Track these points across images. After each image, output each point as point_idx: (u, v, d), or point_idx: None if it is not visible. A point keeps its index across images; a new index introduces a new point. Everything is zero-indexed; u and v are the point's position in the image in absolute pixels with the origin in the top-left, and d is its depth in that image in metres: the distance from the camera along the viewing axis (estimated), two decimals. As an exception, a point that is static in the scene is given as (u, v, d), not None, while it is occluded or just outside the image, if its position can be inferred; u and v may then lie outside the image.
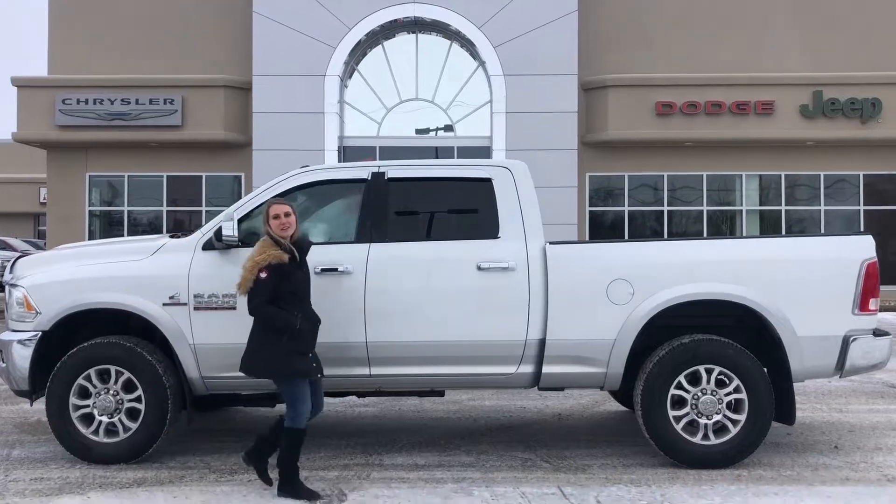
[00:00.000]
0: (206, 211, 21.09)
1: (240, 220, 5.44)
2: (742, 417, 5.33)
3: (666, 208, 20.75)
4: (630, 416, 7.00)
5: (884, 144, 19.94)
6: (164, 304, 5.45)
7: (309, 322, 4.83)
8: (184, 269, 5.48)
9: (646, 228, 20.99)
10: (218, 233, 5.28)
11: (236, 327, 5.39)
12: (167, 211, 21.44)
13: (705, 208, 20.85)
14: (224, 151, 20.68)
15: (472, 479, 5.17)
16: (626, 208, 20.67)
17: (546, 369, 5.43)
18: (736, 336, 5.51)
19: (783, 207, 20.90)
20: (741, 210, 20.91)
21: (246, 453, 5.07)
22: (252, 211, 5.60)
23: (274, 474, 4.93)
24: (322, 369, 4.94)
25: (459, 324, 5.37)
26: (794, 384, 5.42)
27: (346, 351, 5.40)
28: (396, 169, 5.67)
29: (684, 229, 21.47)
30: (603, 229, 20.52)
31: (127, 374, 5.45)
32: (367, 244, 5.48)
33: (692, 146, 20.11)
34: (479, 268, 5.37)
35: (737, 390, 5.33)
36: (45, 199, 23.96)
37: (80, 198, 21.10)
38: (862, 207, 20.73)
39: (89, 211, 21.32)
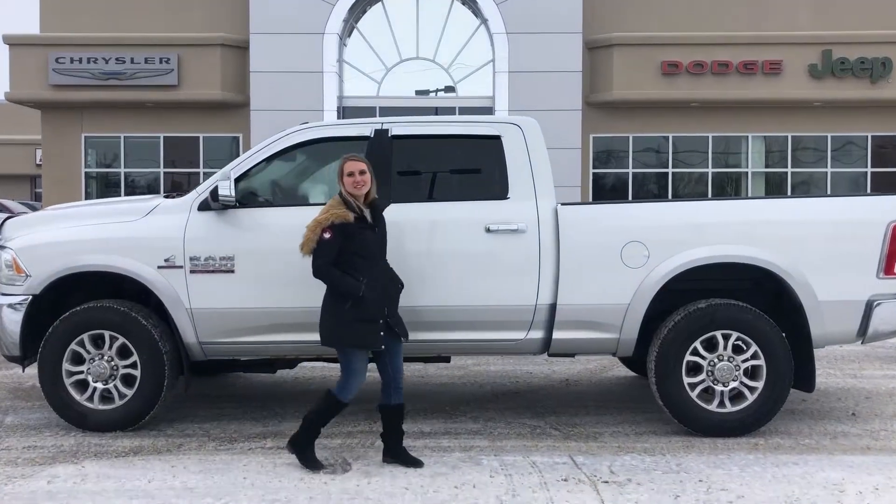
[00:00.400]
0: (204, 172, 20.77)
1: (237, 180, 5.20)
2: (759, 384, 5.14)
3: (670, 170, 20.46)
4: (639, 381, 6.83)
5: (893, 105, 19.58)
6: (159, 268, 5.23)
7: (376, 288, 4.47)
8: (179, 231, 5.25)
9: (650, 191, 20.72)
10: (214, 193, 5.04)
11: (235, 291, 5.20)
12: (164, 173, 21.14)
13: (710, 170, 20.56)
14: (221, 112, 20.32)
15: (480, 447, 5.00)
16: (630, 170, 20.38)
17: (556, 335, 5.23)
18: (753, 300, 5.30)
19: (789, 169, 20.61)
20: (746, 172, 20.63)
21: (383, 454, 4.76)
22: (250, 170, 5.35)
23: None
24: (402, 335, 4.67)
25: (467, 288, 5.15)
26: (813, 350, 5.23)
27: (349, 316, 5.18)
28: (401, 126, 5.41)
29: (688, 192, 21.20)
30: (606, 192, 20.24)
31: (121, 340, 5.25)
32: (370, 205, 5.24)
33: (698, 107, 19.75)
34: (487, 230, 5.14)
35: (754, 356, 5.13)
36: (41, 160, 23.62)
37: (75, 159, 20.78)
38: (869, 169, 20.44)
39: (85, 173, 21.01)
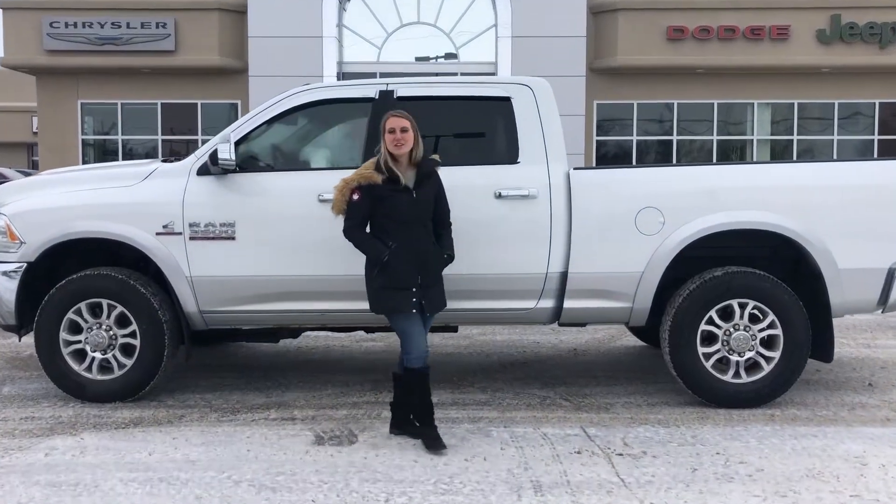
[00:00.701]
0: (203, 140, 20.52)
1: (237, 143, 5.02)
2: (776, 354, 5.00)
3: (675, 138, 20.23)
4: (649, 351, 6.71)
5: (902, 71, 19.31)
6: (157, 234, 5.06)
7: (403, 255, 4.23)
8: (178, 197, 5.07)
9: (654, 158, 20.48)
10: (213, 156, 4.85)
11: (236, 259, 5.04)
12: (163, 140, 20.90)
13: (715, 138, 20.33)
14: (220, 78, 20.04)
15: (490, 418, 4.87)
16: (635, 137, 20.14)
17: (568, 304, 5.08)
18: (771, 268, 5.14)
19: (794, 137, 20.38)
20: (752, 140, 20.40)
21: (391, 425, 4.61)
22: (250, 133, 5.16)
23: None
24: (433, 307, 4.36)
25: (475, 256, 4.97)
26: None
27: (354, 284, 5.02)
28: (407, 87, 5.21)
29: (692, 159, 20.96)
30: (609, 159, 20.02)
31: (120, 308, 5.10)
32: (375, 169, 5.06)
33: (704, 73, 19.48)
34: (497, 195, 4.97)
35: (771, 326, 4.99)
36: (37, 128, 23.34)
37: (72, 126, 20.54)
38: (876, 137, 20.21)
39: (82, 140, 20.78)
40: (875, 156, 19.81)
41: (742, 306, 5.00)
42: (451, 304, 5.07)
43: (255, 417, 4.90)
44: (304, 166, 5.50)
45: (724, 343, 5.03)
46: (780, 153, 20.39)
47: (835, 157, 19.94)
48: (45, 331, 5.10)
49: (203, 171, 5.09)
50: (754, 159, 20.29)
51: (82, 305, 5.10)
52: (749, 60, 19.04)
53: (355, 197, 4.30)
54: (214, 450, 4.32)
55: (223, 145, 4.81)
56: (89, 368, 5.16)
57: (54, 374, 5.16)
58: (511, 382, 5.72)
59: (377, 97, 5.17)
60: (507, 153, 5.11)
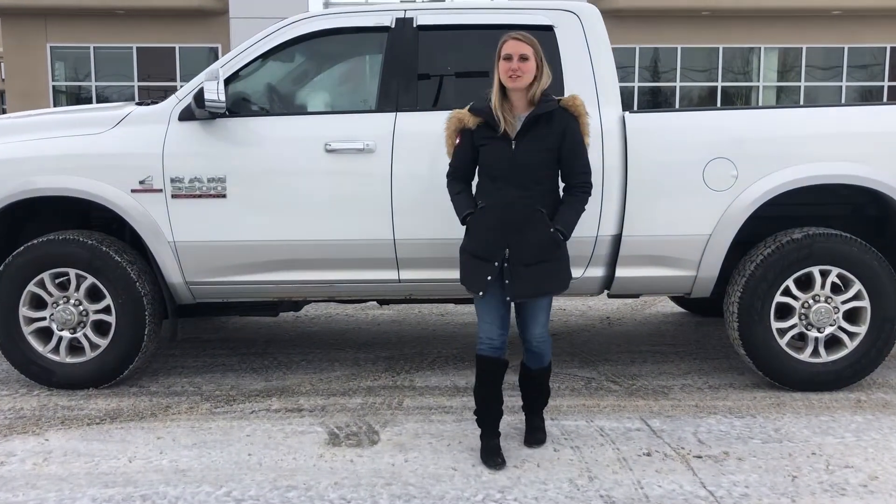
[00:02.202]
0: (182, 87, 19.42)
1: (226, 82, 4.18)
2: (861, 330, 4.29)
3: (678, 84, 19.36)
4: (689, 318, 6.04)
5: (917, 14, 18.48)
6: (132, 191, 4.24)
7: (486, 219, 3.39)
8: (156, 146, 4.24)
9: (657, 106, 19.64)
10: (199, 97, 4.00)
11: (228, 221, 4.24)
12: (139, 87, 19.78)
13: (719, 84, 19.48)
14: (198, 20, 18.87)
15: (519, 406, 4.13)
16: (636, 84, 19.27)
17: (620, 272, 4.33)
18: (848, 230, 4.41)
19: (802, 83, 19.57)
20: (758, 86, 19.57)
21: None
22: (241, 70, 4.32)
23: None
24: (518, 291, 3.37)
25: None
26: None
27: (369, 251, 4.26)
28: (429, 14, 4.36)
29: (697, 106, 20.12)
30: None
31: (90, 280, 4.30)
32: (393, 113, 4.24)
33: (709, 16, 18.53)
34: (538, 143, 4.17)
35: (857, 296, 4.27)
36: (5, 74, 22.08)
37: (41, 72, 19.36)
38: (887, 83, 19.44)
39: (53, 87, 19.64)
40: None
41: (824, 274, 4.28)
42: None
43: (254, 408, 4.15)
44: (307, 110, 4.66)
45: (802, 317, 4.31)
46: (786, 100, 19.61)
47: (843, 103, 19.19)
48: (2, 306, 4.30)
49: (186, 115, 4.25)
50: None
51: (45, 276, 4.30)
52: (756, 2, 18.11)
53: (458, 141, 3.51)
54: (209, 454, 3.57)
55: (210, 83, 3.96)
56: (56, 350, 4.38)
57: (15, 357, 4.38)
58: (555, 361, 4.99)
59: (393, 26, 4.32)
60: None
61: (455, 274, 4.29)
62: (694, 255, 4.30)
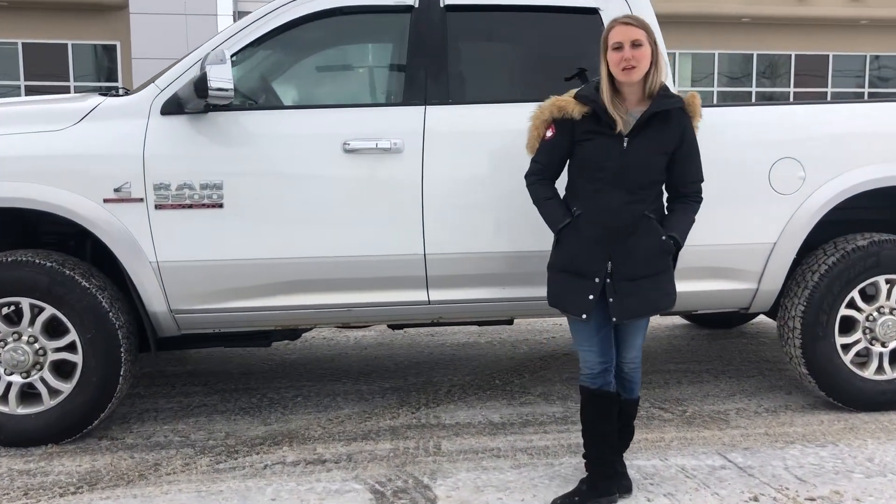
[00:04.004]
0: (75, 87, 17.99)
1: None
2: (925, 342, 3.99)
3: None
4: (695, 330, 5.66)
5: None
6: (105, 201, 3.45)
7: (586, 228, 2.89)
8: (135, 146, 3.46)
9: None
10: (201, 85, 3.25)
11: (225, 235, 3.52)
12: (26, 87, 18.18)
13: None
14: (95, 14, 17.46)
15: (580, 444, 3.59)
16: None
17: (677, 287, 3.84)
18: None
19: (714, 89, 19.96)
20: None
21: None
22: (237, 54, 3.59)
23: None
24: (624, 311, 2.88)
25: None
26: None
27: (395, 268, 3.63)
28: (457, -8, 3.76)
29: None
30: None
31: (49, 310, 3.48)
32: (422, 107, 3.62)
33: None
34: (588, 142, 3.64)
35: (922, 307, 3.96)
36: None
37: (-88, 68, 17.48)
38: (792, 89, 20.07)
39: (-75, 85, 17.77)
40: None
41: (890, 283, 3.94)
42: (523, 292, 3.77)
43: (265, 461, 3.43)
44: (319, 102, 3.97)
45: (867, 331, 3.96)
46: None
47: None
48: (-67, 347, 3.42)
49: (171, 108, 3.50)
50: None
51: (-9, 308, 3.46)
52: (671, 7, 18.29)
53: (549, 134, 2.94)
54: (233, 530, 2.85)
55: (217, 68, 3.22)
56: (5, 398, 3.54)
57: (-50, 409, 3.50)
58: (572, 384, 4.47)
59: (417, 5, 3.70)
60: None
61: (493, 293, 3.76)
62: (756, 266, 3.87)
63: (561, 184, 3.10)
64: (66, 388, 3.55)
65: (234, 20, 17.21)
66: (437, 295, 3.71)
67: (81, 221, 3.45)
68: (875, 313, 3.96)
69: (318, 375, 4.68)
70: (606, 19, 3.78)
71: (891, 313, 3.96)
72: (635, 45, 2.80)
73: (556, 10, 3.82)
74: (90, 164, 3.45)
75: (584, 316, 2.88)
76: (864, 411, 3.99)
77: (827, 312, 3.89)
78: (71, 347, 3.53)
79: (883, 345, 3.97)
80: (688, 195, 3.01)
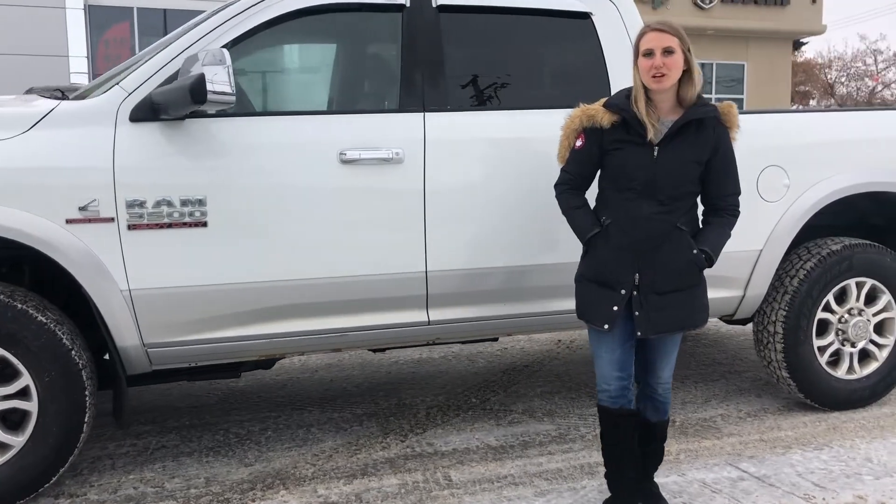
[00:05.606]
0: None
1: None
2: (889, 341, 4.16)
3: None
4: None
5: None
6: (68, 222, 2.97)
7: (614, 237, 2.77)
8: (103, 158, 3.00)
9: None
10: (198, 89, 2.83)
11: (209, 258, 3.12)
12: None
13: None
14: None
15: (591, 463, 3.48)
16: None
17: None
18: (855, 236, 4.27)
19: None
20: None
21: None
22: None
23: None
24: (651, 326, 2.75)
25: (549, 240, 3.50)
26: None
27: (394, 288, 3.36)
28: (449, -7, 3.53)
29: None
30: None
31: (-2, 352, 2.96)
32: (420, 114, 3.37)
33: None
34: (587, 151, 3.52)
35: (887, 308, 4.13)
36: None
37: None
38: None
39: None
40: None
41: (860, 286, 4.08)
42: (507, 308, 3.60)
43: (265, 509, 3.07)
44: (308, 109, 3.59)
45: (839, 332, 4.09)
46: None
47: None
48: None
49: (142, 113, 3.06)
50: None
51: (-76, 352, 2.89)
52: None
53: (578, 143, 2.82)
54: None
55: (215, 69, 2.82)
56: (-59, 458, 2.97)
57: None
58: (552, 398, 4.36)
59: (409, 4, 3.45)
60: (590, 92, 3.63)
61: (495, 310, 3.58)
62: (743, 274, 3.89)
63: (591, 194, 2.97)
64: (16, 441, 3.02)
65: (85, 17, 15.99)
66: (437, 315, 3.47)
67: (38, 245, 2.94)
68: (846, 315, 4.09)
69: (276, 405, 4.30)
70: (599, 24, 3.71)
71: (860, 314, 4.10)
72: (667, 51, 2.71)
73: (548, 14, 3.67)
74: (50, 179, 2.95)
75: (605, 326, 2.78)
76: (836, 410, 4.11)
77: (807, 316, 3.98)
78: (23, 394, 3.02)
79: (852, 345, 4.11)
80: (723, 209, 2.94)
